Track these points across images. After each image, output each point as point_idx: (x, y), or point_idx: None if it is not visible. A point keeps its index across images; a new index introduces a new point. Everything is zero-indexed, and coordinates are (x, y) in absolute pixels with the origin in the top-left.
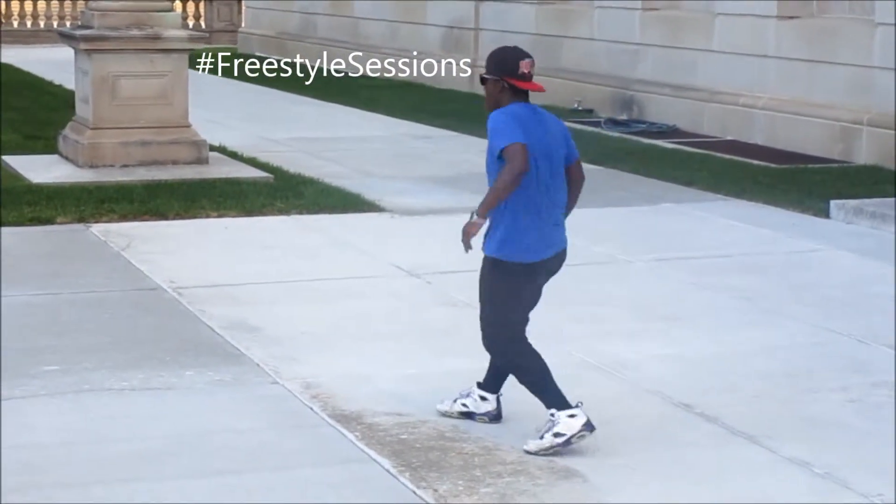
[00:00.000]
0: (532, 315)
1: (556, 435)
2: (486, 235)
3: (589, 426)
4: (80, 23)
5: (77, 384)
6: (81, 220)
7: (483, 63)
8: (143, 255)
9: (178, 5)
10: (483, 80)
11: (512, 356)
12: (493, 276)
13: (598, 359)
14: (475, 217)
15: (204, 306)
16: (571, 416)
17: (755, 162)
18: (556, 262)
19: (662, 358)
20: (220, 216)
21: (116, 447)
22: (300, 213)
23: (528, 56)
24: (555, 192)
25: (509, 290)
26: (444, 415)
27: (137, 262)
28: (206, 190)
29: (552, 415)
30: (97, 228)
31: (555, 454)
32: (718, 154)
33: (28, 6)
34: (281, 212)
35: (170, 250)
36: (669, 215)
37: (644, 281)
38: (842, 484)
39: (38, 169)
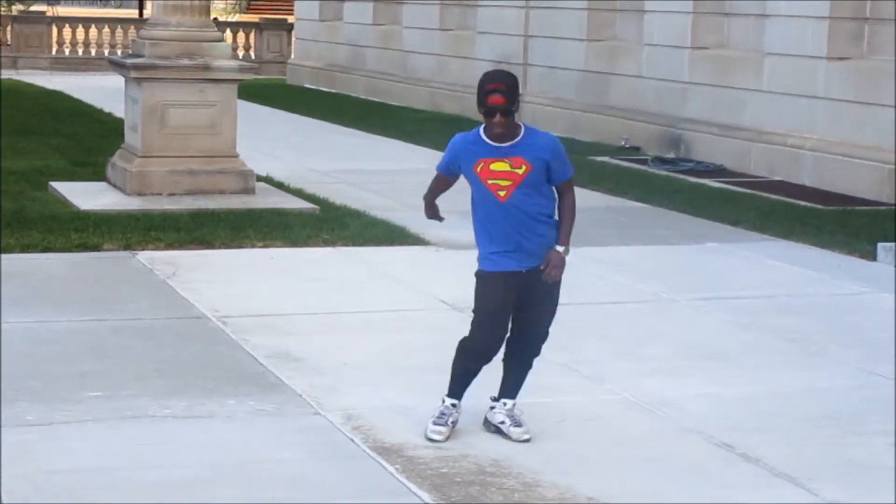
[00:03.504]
0: (575, 352)
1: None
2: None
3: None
4: (130, 51)
5: (120, 410)
6: (128, 247)
7: (531, 98)
8: (189, 283)
9: (228, 36)
10: (510, 112)
11: None
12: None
13: (640, 397)
14: (565, 250)
15: (247, 336)
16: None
17: (802, 203)
18: None
19: (705, 397)
20: (265, 246)
21: (157, 474)
22: (345, 244)
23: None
24: None
25: None
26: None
27: (182, 291)
28: (253, 220)
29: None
30: (143, 256)
31: None
32: (765, 194)
33: (80, 33)
34: (326, 243)
35: (215, 279)
36: (715, 255)
37: (688, 320)
38: None
39: (86, 196)
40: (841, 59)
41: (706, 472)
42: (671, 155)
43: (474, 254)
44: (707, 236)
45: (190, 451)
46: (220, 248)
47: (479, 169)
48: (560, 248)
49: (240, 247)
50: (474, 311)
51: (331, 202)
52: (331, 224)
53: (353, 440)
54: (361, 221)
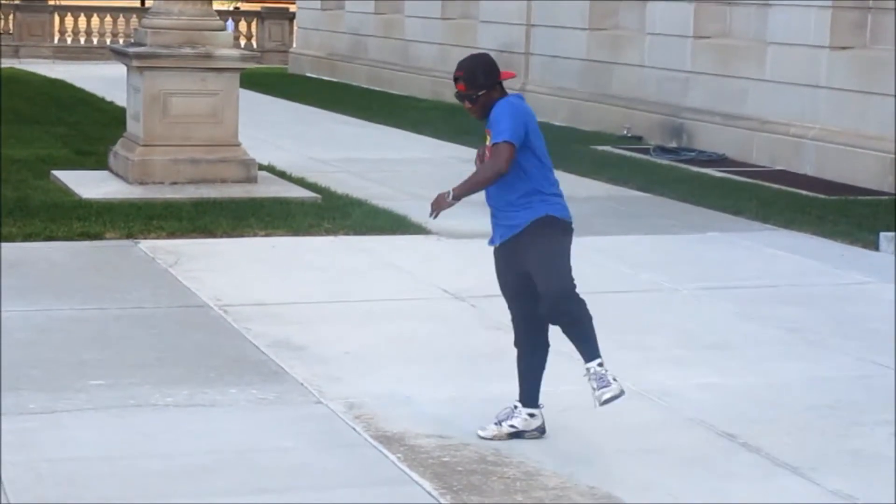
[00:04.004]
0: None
1: (512, 427)
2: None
3: (542, 430)
4: (132, 40)
5: (122, 399)
6: (130, 235)
7: (533, 87)
8: (190, 272)
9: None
10: (473, 98)
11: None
12: None
13: (642, 386)
14: (448, 194)
15: (249, 324)
16: (531, 415)
17: (804, 192)
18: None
19: (706, 387)
20: (267, 235)
21: (159, 463)
22: (347, 234)
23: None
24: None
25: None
26: (492, 439)
27: (184, 279)
28: (255, 209)
29: (515, 407)
30: (145, 244)
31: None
32: (767, 184)
33: (81, 22)
34: (328, 232)
35: (217, 268)
36: (717, 244)
37: (690, 309)
38: None
39: (89, 184)
40: (843, 48)
41: (708, 462)
42: (673, 144)
43: (475, 243)
44: (709, 226)
45: (192, 440)
46: (221, 236)
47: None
48: (445, 192)
49: (242, 236)
50: None
51: (333, 191)
52: (333, 213)
53: (354, 429)
54: (363, 210)
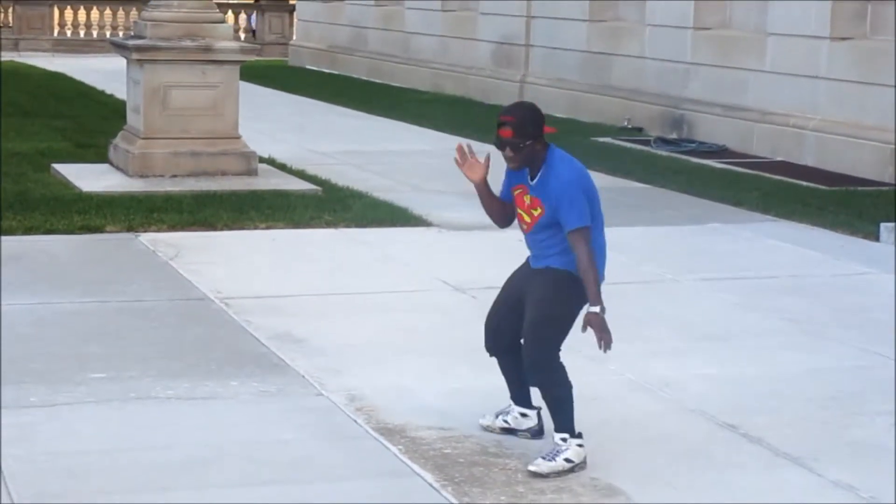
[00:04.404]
0: (577, 332)
1: (567, 460)
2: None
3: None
4: (132, 33)
5: (123, 392)
6: (130, 228)
7: (533, 79)
8: (191, 265)
9: (230, 17)
10: (519, 147)
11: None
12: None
13: (642, 377)
14: (601, 309)
15: (250, 317)
16: (580, 445)
17: (805, 183)
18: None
19: (707, 378)
20: (268, 228)
21: (160, 455)
22: (348, 226)
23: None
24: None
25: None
26: (486, 429)
27: (185, 272)
28: (255, 202)
29: (563, 439)
30: (146, 237)
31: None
32: (768, 175)
33: (81, 15)
34: (329, 225)
35: (217, 261)
36: (717, 235)
37: (690, 301)
38: None
39: (89, 177)
40: (843, 39)
41: (708, 453)
42: (674, 136)
43: (476, 235)
44: (709, 217)
45: (192, 433)
46: (222, 229)
47: (517, 193)
48: (595, 309)
49: (242, 228)
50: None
51: (333, 183)
52: (333, 205)
53: (355, 421)
54: (364, 203)
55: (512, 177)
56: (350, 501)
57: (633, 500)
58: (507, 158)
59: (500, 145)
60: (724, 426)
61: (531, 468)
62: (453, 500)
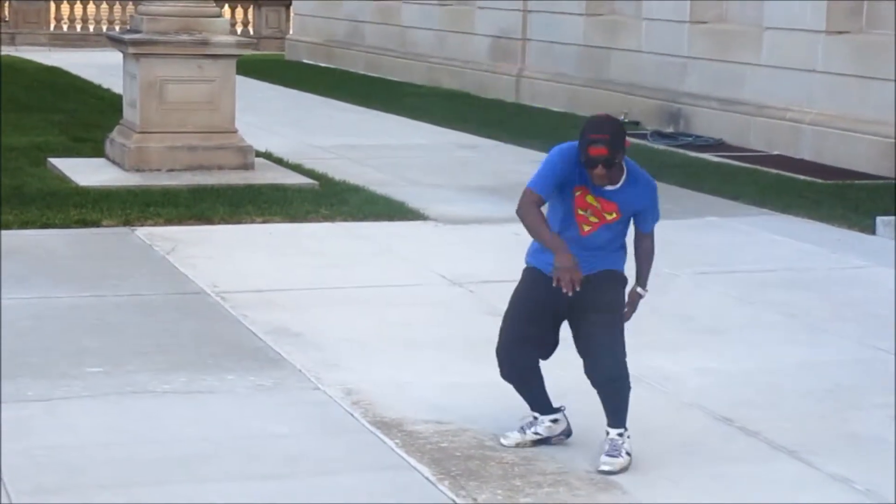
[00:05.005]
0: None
1: (628, 453)
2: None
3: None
4: (129, 27)
5: (119, 386)
6: (127, 223)
7: (530, 73)
8: (188, 259)
9: (226, 11)
10: (613, 163)
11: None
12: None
13: (639, 371)
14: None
15: (247, 311)
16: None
17: (801, 177)
18: None
19: (704, 371)
20: (264, 222)
21: (157, 449)
22: (345, 220)
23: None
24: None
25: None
26: (518, 446)
27: (181, 266)
28: (252, 196)
29: (620, 434)
30: (142, 232)
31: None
32: (765, 168)
33: (77, 10)
34: (326, 219)
35: (214, 255)
36: (714, 229)
37: (687, 294)
38: (883, 501)
39: (85, 172)
40: (840, 32)
41: (705, 446)
42: (670, 129)
43: (473, 229)
44: (706, 211)
45: (189, 426)
46: (219, 223)
47: (577, 194)
48: (642, 291)
49: (239, 222)
50: None
51: (330, 177)
52: (330, 199)
53: (352, 415)
54: (361, 197)
55: (567, 175)
56: (346, 495)
57: (630, 493)
58: (597, 177)
59: (592, 164)
60: (722, 419)
61: (604, 468)
62: (450, 494)
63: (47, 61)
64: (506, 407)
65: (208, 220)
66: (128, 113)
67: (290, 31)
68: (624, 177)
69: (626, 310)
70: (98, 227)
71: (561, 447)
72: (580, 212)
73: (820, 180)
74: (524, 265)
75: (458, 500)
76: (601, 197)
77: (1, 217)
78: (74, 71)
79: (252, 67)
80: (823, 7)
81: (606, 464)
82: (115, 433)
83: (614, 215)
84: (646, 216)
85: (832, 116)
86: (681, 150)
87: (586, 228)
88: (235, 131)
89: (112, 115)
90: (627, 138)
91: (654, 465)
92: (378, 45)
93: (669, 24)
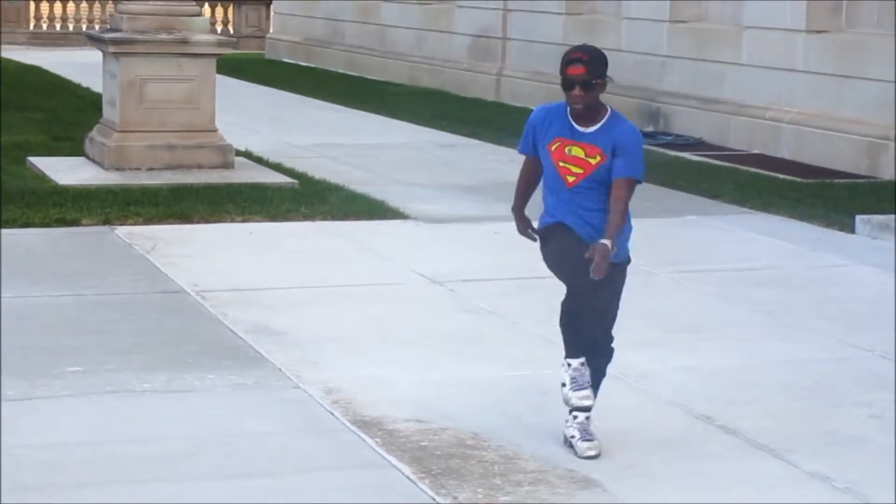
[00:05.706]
0: (555, 324)
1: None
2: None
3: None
4: (108, 26)
5: (100, 385)
6: (107, 222)
7: (510, 72)
8: (168, 258)
9: (206, 10)
10: (591, 84)
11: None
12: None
13: (618, 369)
14: (612, 243)
15: (227, 310)
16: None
17: (781, 176)
18: None
19: (683, 369)
20: (244, 221)
21: (137, 448)
22: (325, 219)
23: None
24: None
25: None
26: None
27: (161, 265)
28: (232, 194)
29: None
30: (122, 231)
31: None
32: (744, 167)
33: (57, 9)
34: (306, 217)
35: (194, 254)
36: (694, 228)
37: (667, 292)
38: (862, 499)
39: (65, 170)
40: (819, 32)
41: (685, 444)
42: (650, 128)
43: (453, 227)
44: (686, 209)
45: (170, 425)
46: (199, 222)
47: (553, 147)
48: (606, 242)
49: (219, 221)
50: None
51: (310, 176)
52: (310, 198)
53: (332, 413)
54: (341, 195)
55: (544, 131)
56: (327, 494)
57: (609, 491)
58: (574, 98)
59: (569, 84)
60: (701, 417)
61: (590, 453)
62: (430, 493)
63: (26, 60)
64: (486, 405)
65: (188, 220)
66: (107, 112)
67: (271, 30)
68: (605, 119)
69: (592, 266)
70: (78, 226)
71: (542, 446)
72: (560, 164)
73: (800, 179)
74: (541, 228)
75: (438, 499)
76: (582, 142)
77: None
78: (54, 70)
79: (232, 66)
80: (803, 6)
81: (591, 448)
82: (95, 432)
83: (598, 158)
84: (623, 156)
85: (812, 115)
86: (660, 149)
87: (571, 179)
88: (215, 130)
89: (92, 113)
90: (609, 76)
91: (633, 463)
92: (358, 44)
93: (649, 23)
